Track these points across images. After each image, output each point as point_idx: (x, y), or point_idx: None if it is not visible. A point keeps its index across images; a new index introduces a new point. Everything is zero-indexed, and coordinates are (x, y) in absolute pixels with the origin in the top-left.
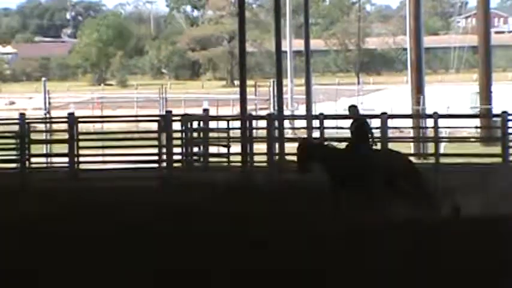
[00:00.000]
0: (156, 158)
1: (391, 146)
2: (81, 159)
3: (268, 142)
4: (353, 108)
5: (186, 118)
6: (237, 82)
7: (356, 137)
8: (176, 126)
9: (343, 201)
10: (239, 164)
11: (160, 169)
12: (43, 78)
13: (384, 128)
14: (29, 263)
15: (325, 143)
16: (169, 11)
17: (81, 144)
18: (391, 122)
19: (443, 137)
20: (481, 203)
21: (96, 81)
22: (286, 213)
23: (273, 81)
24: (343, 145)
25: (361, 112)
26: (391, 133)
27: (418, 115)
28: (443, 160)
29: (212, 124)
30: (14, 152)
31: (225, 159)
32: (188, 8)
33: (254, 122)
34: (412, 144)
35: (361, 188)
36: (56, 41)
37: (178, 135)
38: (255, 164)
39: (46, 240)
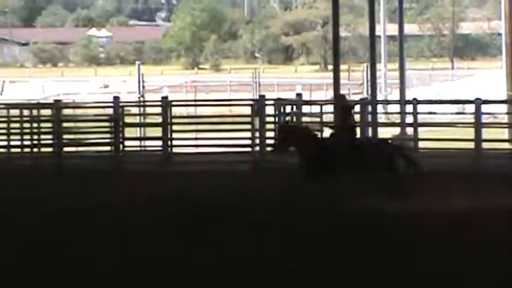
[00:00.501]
0: (249, 142)
1: (485, 131)
2: (175, 142)
3: (361, 127)
4: (341, 97)
5: (279, 102)
6: (330, 67)
7: (338, 126)
8: (269, 110)
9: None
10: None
11: (253, 153)
12: (137, 62)
13: (477, 113)
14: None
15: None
16: None
17: (174, 128)
18: (485, 108)
19: None
20: None
21: (190, 65)
22: None
23: (367, 66)
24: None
25: (456, 97)
26: (485, 119)
27: None
28: None
29: (305, 108)
30: (108, 135)
31: None
32: None
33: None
34: (506, 130)
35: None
36: (150, 25)
37: (271, 119)
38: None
39: (145, 223)
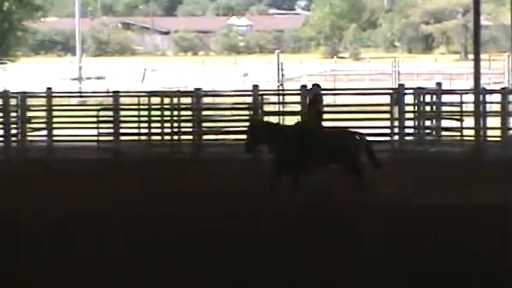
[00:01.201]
0: (388, 131)
1: None
2: None
3: (502, 116)
4: (315, 87)
5: (418, 91)
6: (470, 56)
7: (308, 116)
8: (408, 99)
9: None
10: (472, 139)
11: (392, 142)
12: (276, 51)
13: None
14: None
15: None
16: None
17: None
18: None
19: None
20: None
21: (329, 54)
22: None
23: (508, 55)
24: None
25: None
26: None
27: None
28: None
29: (445, 98)
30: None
31: (457, 134)
32: None
33: (488, 96)
34: None
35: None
36: (290, 13)
37: (411, 108)
38: (488, 138)
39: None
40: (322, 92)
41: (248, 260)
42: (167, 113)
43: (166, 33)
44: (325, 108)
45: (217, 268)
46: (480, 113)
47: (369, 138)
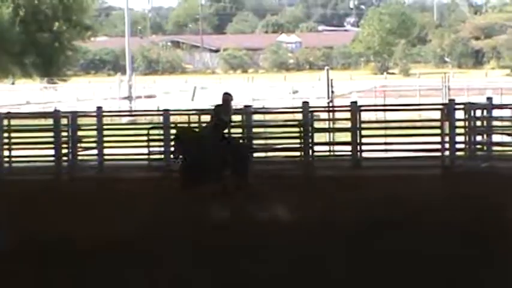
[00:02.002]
0: (438, 146)
1: None
2: (364, 147)
3: None
4: (225, 95)
5: (469, 106)
6: None
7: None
8: (459, 114)
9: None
10: None
11: (442, 158)
12: (326, 67)
13: None
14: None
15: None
16: None
17: (363, 132)
18: None
19: None
20: None
21: (379, 70)
22: None
23: None
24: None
25: None
26: None
27: None
28: None
29: (495, 112)
30: (297, 141)
31: (509, 148)
32: None
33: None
34: None
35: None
36: (339, 30)
37: (461, 123)
38: None
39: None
40: (373, 108)
41: None
42: None
43: (216, 51)
44: (376, 125)
45: None
46: None
47: (419, 154)
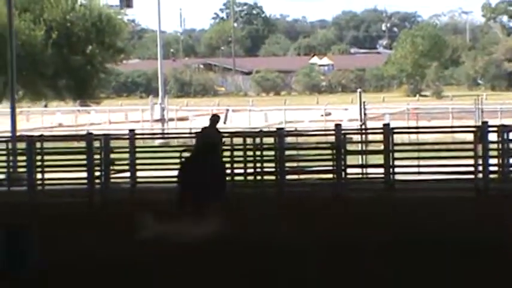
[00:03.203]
0: (471, 169)
1: None
2: (397, 170)
3: None
4: (213, 117)
5: (502, 129)
6: None
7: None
8: (492, 137)
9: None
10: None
11: (476, 180)
12: (358, 89)
13: None
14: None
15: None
16: (485, 21)
17: (396, 155)
18: None
19: None
20: None
21: (411, 92)
22: None
23: None
24: None
25: None
26: None
27: None
28: None
29: None
30: (330, 163)
31: None
32: (505, 18)
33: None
34: None
35: None
36: (371, 52)
37: (495, 146)
38: None
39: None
40: (405, 130)
41: None
42: (250, 153)
43: (248, 73)
44: (409, 147)
45: None
46: None
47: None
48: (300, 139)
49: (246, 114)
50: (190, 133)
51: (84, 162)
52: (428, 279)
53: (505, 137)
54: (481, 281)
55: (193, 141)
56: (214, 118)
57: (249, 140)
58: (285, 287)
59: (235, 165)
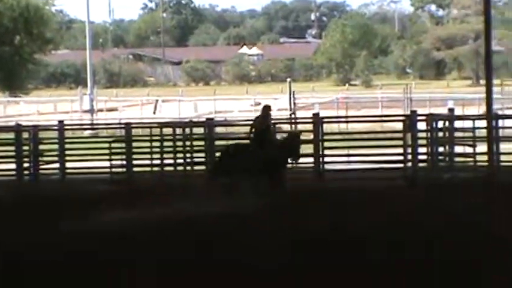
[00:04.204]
0: (401, 158)
1: None
2: (326, 159)
3: None
4: (264, 107)
5: (431, 118)
6: (482, 81)
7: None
8: (421, 126)
9: None
10: (485, 164)
11: (405, 169)
12: (288, 79)
13: None
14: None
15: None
16: (414, 10)
17: (326, 144)
18: None
19: None
20: None
21: (341, 82)
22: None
23: None
24: None
25: None
26: None
27: None
28: None
29: (457, 124)
30: None
31: (471, 159)
32: (433, 7)
33: (500, 121)
34: None
35: None
36: (301, 42)
37: (424, 135)
38: (501, 163)
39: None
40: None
41: None
42: (179, 143)
43: (178, 63)
44: (338, 136)
45: None
46: (493, 139)
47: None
48: (230, 129)
49: (176, 105)
50: (119, 124)
51: (13, 153)
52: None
53: (434, 125)
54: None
55: (123, 132)
56: (266, 108)
57: (178, 130)
58: None
59: (165, 155)
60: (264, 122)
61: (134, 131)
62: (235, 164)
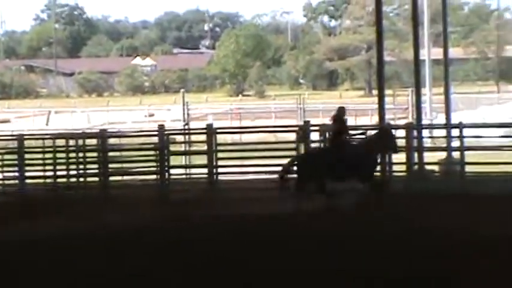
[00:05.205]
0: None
1: None
2: (220, 170)
3: (407, 152)
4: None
5: (324, 128)
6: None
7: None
8: (314, 136)
9: None
10: (378, 174)
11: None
12: (182, 90)
13: None
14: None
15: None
16: (307, 21)
17: (219, 155)
18: None
19: None
20: None
21: (234, 92)
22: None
23: (412, 91)
24: None
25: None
26: None
27: None
28: None
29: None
30: (154, 164)
31: None
32: (325, 18)
33: (393, 132)
34: None
35: None
36: (194, 53)
37: (317, 145)
38: (394, 173)
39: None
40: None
41: None
42: (73, 155)
43: (70, 74)
44: (232, 147)
45: None
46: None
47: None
48: (124, 140)
49: (69, 116)
50: (11, 135)
51: None
52: None
53: (327, 136)
54: None
55: (15, 143)
56: (341, 110)
57: (71, 142)
58: None
59: (58, 167)
60: (340, 125)
61: (27, 143)
62: (320, 170)
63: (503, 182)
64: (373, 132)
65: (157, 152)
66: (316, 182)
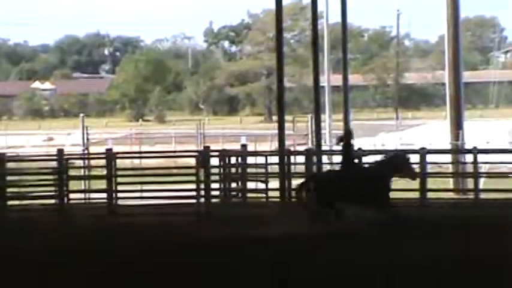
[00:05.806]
0: (194, 193)
1: (430, 181)
2: (120, 195)
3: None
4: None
5: (224, 153)
6: (275, 117)
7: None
8: (214, 161)
9: None
10: (277, 200)
11: (198, 204)
12: (81, 114)
13: (422, 163)
14: None
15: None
16: (207, 46)
17: (119, 180)
18: (430, 157)
19: (482, 173)
20: None
21: (134, 117)
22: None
23: (311, 117)
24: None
25: (401, 147)
26: (430, 168)
27: (457, 150)
28: (482, 196)
29: (250, 159)
30: (53, 188)
31: (263, 195)
32: (226, 44)
33: (292, 158)
34: (451, 179)
35: None
36: (94, 77)
37: (216, 170)
38: (293, 199)
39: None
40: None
41: None
42: None
43: None
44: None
45: None
46: (285, 175)
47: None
48: (22, 164)
49: None
50: None
51: None
52: None
53: (227, 161)
54: None
55: None
56: (348, 133)
57: None
58: None
59: None
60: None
61: None
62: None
63: (400, 208)
64: (385, 157)
65: (57, 176)
66: (335, 205)
